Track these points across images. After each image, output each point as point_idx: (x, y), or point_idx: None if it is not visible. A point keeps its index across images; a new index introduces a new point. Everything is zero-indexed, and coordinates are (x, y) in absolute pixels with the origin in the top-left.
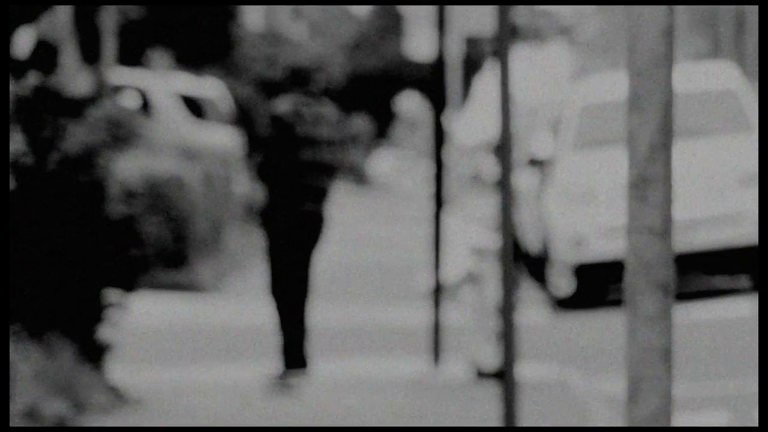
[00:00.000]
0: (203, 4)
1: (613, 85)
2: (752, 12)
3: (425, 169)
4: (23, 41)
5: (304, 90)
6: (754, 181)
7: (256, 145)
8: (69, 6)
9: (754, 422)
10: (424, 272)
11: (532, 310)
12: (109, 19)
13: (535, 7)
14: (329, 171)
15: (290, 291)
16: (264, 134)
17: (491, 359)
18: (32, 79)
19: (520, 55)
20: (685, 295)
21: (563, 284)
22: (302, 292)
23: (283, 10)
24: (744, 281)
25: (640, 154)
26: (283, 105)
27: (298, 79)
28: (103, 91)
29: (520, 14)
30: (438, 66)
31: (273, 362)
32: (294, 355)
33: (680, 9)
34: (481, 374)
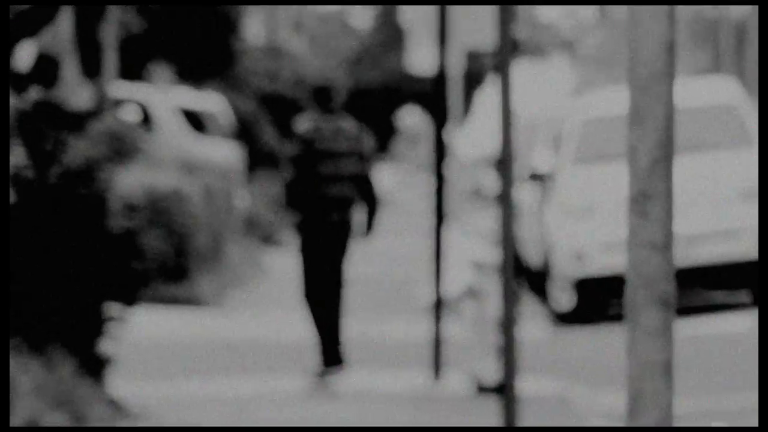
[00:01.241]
0: (205, 16)
1: (613, 100)
2: (752, 27)
3: (426, 183)
4: (24, 55)
5: (325, 107)
6: (754, 196)
7: (257, 159)
8: (70, 20)
9: None
10: (425, 286)
11: (533, 324)
12: (110, 33)
13: (537, 21)
14: (351, 181)
15: (323, 295)
16: (290, 153)
17: (492, 373)
18: (33, 92)
19: (521, 70)
20: (685, 310)
21: (564, 299)
22: (336, 294)
23: (284, 25)
24: (744, 296)
25: (641, 169)
26: (305, 124)
27: (319, 97)
28: (104, 105)
29: (522, 29)
30: (439, 80)
31: (275, 374)
32: (331, 354)
33: (681, 24)
34: (482, 388)
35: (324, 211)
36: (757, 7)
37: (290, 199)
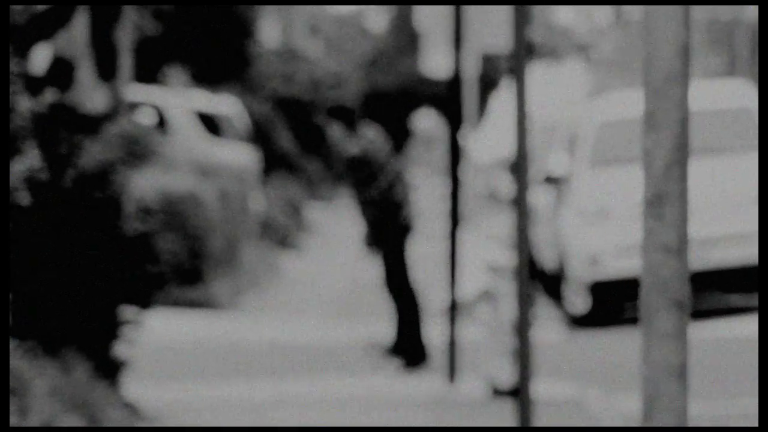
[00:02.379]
0: (220, 18)
1: (629, 103)
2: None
3: (441, 186)
4: (40, 58)
5: (351, 122)
6: None
7: (272, 162)
8: (85, 23)
9: None
10: (440, 290)
11: (548, 327)
12: (125, 36)
13: (552, 24)
14: (402, 182)
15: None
16: (344, 176)
17: (507, 377)
18: (49, 95)
19: (536, 73)
20: (700, 313)
21: (579, 302)
22: (411, 295)
23: (300, 27)
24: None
25: (656, 172)
26: (353, 147)
27: (341, 115)
28: (119, 108)
29: (537, 32)
30: (454, 83)
31: (290, 377)
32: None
33: (696, 27)
34: (497, 392)
35: (394, 218)
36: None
37: (367, 219)
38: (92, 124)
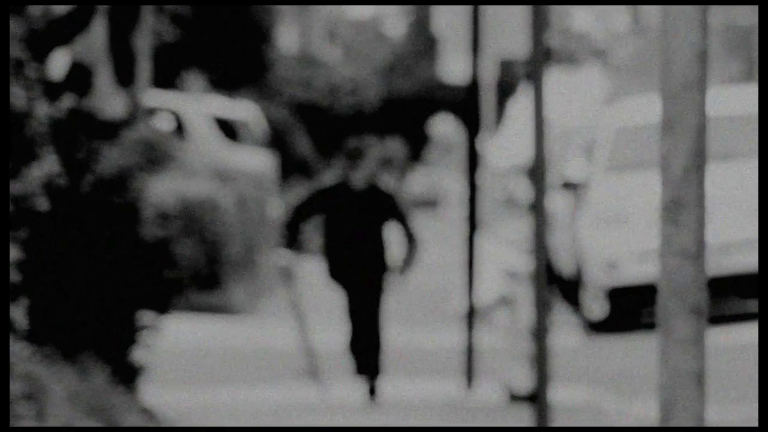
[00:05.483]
0: (238, 24)
1: (646, 108)
2: None
3: (459, 191)
4: (58, 63)
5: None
6: None
7: (290, 167)
8: (104, 28)
9: None
10: (458, 295)
11: (566, 333)
12: (143, 41)
13: (570, 30)
14: None
15: None
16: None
17: (524, 382)
18: (67, 101)
19: (554, 78)
20: (718, 319)
21: (596, 307)
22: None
23: (318, 33)
24: None
25: (673, 177)
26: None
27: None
28: (137, 114)
29: (554, 37)
30: (472, 89)
31: (308, 381)
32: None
33: (714, 32)
34: (514, 397)
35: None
36: None
37: None
38: (110, 130)
